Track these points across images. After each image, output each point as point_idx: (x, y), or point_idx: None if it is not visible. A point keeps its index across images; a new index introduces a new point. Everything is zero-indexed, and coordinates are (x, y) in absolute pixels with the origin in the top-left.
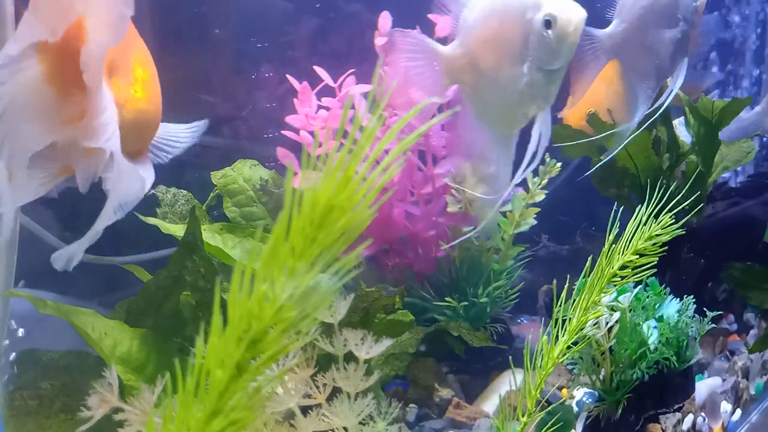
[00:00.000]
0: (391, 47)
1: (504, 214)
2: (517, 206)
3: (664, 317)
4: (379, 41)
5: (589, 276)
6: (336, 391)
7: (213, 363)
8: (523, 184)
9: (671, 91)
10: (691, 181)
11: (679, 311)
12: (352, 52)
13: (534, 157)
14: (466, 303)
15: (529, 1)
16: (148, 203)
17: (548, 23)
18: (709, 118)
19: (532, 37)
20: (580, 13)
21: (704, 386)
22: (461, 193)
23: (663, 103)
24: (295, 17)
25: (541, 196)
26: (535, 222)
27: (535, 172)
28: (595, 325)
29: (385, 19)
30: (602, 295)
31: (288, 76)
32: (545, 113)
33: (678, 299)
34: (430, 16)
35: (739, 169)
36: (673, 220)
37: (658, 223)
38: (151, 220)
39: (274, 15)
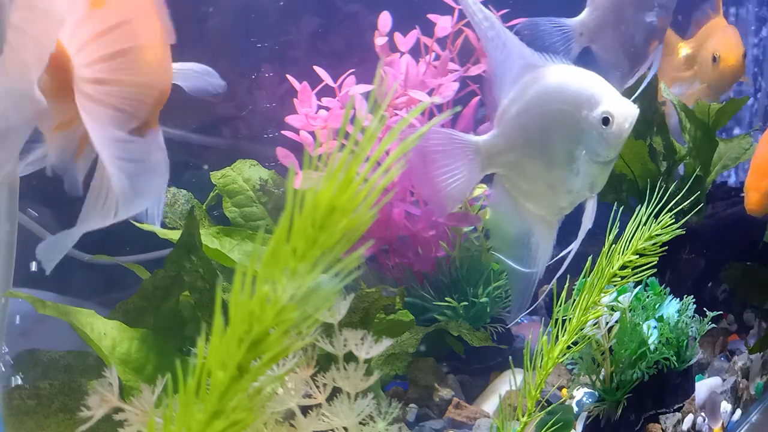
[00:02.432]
0: (423, 147)
1: None
2: None
3: (664, 317)
4: (379, 41)
5: (589, 276)
6: (336, 391)
7: (214, 364)
8: None
9: (647, 79)
10: (689, 183)
11: (679, 311)
12: (352, 52)
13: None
14: (466, 303)
15: (585, 98)
16: None
17: (606, 120)
18: (705, 121)
19: (588, 132)
20: (634, 110)
21: (704, 386)
22: None
23: (638, 89)
24: (295, 17)
25: None
26: None
27: None
28: (595, 325)
29: (384, 20)
30: (602, 295)
31: (288, 76)
32: (593, 200)
33: (678, 299)
34: (430, 16)
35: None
36: (673, 220)
37: (658, 223)
38: (147, 227)
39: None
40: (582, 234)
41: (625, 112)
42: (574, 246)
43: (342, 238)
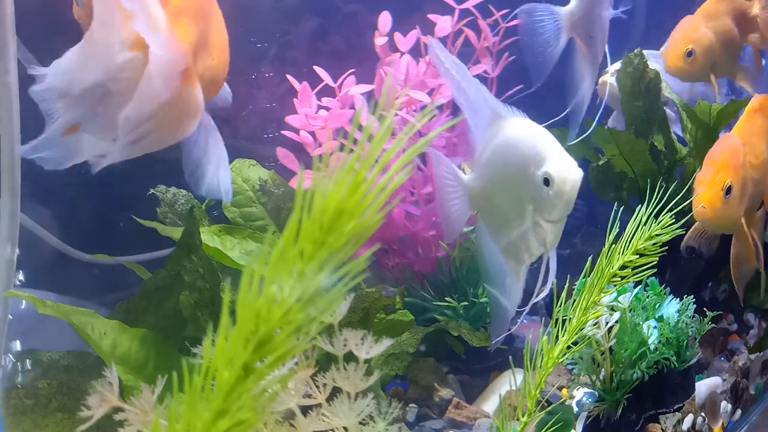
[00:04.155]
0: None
1: None
2: None
3: (664, 317)
4: (379, 41)
5: (589, 276)
6: (336, 391)
7: (220, 363)
8: None
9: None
10: (690, 182)
11: (679, 311)
12: (352, 52)
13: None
14: (466, 303)
15: (532, 156)
16: (148, 203)
17: (546, 181)
18: (706, 121)
19: (536, 190)
20: (576, 173)
21: (704, 386)
22: None
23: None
24: (295, 16)
25: None
26: None
27: None
28: (595, 325)
29: (384, 20)
30: (602, 295)
31: (288, 76)
32: (551, 254)
33: (678, 299)
34: (430, 16)
35: None
36: (673, 220)
37: (658, 223)
38: (149, 223)
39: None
40: (543, 289)
41: (565, 174)
42: (534, 299)
43: (349, 241)
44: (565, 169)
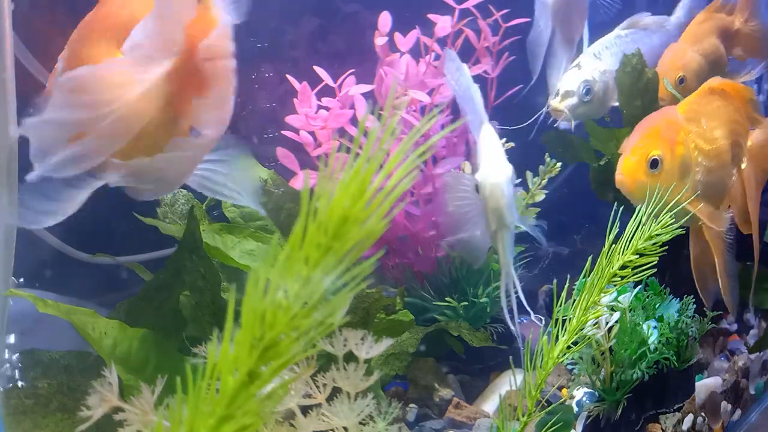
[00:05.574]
0: (444, 185)
1: None
2: (517, 206)
3: (664, 317)
4: (379, 41)
5: (589, 276)
6: (336, 391)
7: (224, 369)
8: (524, 183)
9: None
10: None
11: (679, 311)
12: (352, 52)
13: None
14: (466, 303)
15: (478, 162)
16: (148, 203)
17: (476, 187)
18: None
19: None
20: (494, 178)
21: (704, 386)
22: None
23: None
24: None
25: (541, 196)
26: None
27: (535, 172)
28: (595, 325)
29: (384, 20)
30: (602, 295)
31: (288, 76)
32: (509, 270)
33: (678, 299)
34: (430, 16)
35: None
36: (673, 220)
37: (658, 223)
38: (150, 221)
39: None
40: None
41: (484, 178)
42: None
43: (354, 246)
44: (486, 174)
